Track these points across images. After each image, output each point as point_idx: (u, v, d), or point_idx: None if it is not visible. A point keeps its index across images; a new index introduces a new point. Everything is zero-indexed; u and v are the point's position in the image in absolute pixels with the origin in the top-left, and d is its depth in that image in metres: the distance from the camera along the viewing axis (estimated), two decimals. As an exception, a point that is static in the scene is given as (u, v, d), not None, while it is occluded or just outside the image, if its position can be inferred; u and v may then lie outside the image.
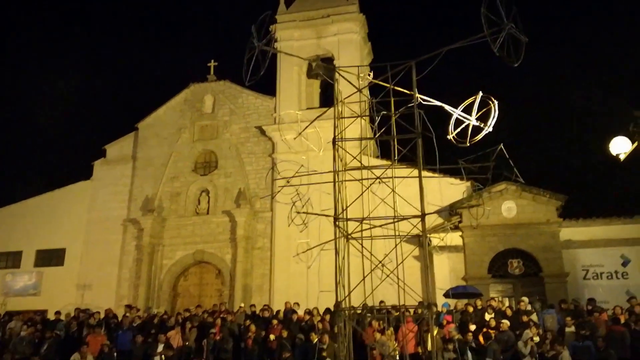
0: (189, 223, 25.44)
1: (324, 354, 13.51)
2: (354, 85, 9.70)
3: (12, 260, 26.72)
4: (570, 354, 12.52)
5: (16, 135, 54.03)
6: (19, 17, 56.16)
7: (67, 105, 53.25)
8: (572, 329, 13.71)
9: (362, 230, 9.18)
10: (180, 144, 26.88)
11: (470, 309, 15.48)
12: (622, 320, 13.64)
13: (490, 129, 8.95)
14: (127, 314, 17.98)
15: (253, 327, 15.50)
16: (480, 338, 13.86)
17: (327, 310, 15.84)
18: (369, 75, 10.52)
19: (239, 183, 25.52)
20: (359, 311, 9.95)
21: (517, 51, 7.89)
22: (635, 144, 11.25)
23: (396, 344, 13.28)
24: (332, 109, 9.58)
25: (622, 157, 11.58)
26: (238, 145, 26.26)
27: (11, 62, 56.19)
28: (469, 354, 13.32)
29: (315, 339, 14.21)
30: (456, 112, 8.99)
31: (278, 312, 17.44)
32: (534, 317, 14.65)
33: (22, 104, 56.60)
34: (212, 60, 27.87)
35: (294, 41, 26.37)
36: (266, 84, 26.52)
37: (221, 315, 17.09)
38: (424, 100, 8.99)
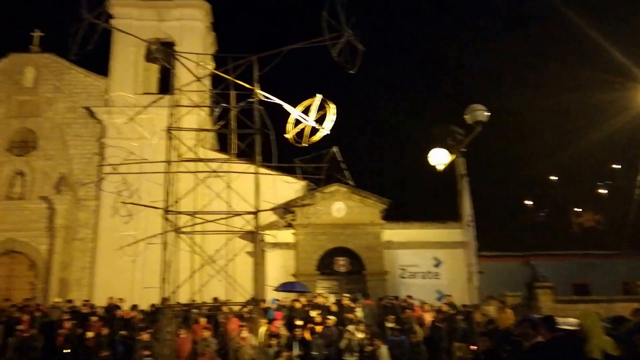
0: (-2, 208, 22.73)
1: (147, 352, 12.84)
2: (193, 74, 9.36)
3: None
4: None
5: None
6: None
7: None
8: (392, 324, 14.58)
9: (193, 225, 8.89)
10: (-8, 119, 23.92)
11: (298, 305, 15.83)
12: (430, 318, 14.88)
13: (328, 132, 9.21)
14: None
15: (68, 324, 14.24)
16: (306, 333, 14.21)
17: (153, 306, 15.16)
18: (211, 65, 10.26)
19: (61, 167, 23.37)
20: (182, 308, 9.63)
21: (354, 58, 8.19)
22: (454, 156, 12.30)
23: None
24: (169, 96, 9.15)
25: (440, 167, 12.63)
26: (63, 125, 23.97)
27: None
28: (295, 347, 13.56)
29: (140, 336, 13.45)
30: (295, 112, 9.10)
31: (95, 307, 16.32)
32: (359, 312, 15.39)
33: None
34: (37, 30, 25.11)
35: (133, 20, 24.72)
36: (100, 63, 24.58)
37: (31, 310, 15.49)
38: (264, 97, 8.97)
